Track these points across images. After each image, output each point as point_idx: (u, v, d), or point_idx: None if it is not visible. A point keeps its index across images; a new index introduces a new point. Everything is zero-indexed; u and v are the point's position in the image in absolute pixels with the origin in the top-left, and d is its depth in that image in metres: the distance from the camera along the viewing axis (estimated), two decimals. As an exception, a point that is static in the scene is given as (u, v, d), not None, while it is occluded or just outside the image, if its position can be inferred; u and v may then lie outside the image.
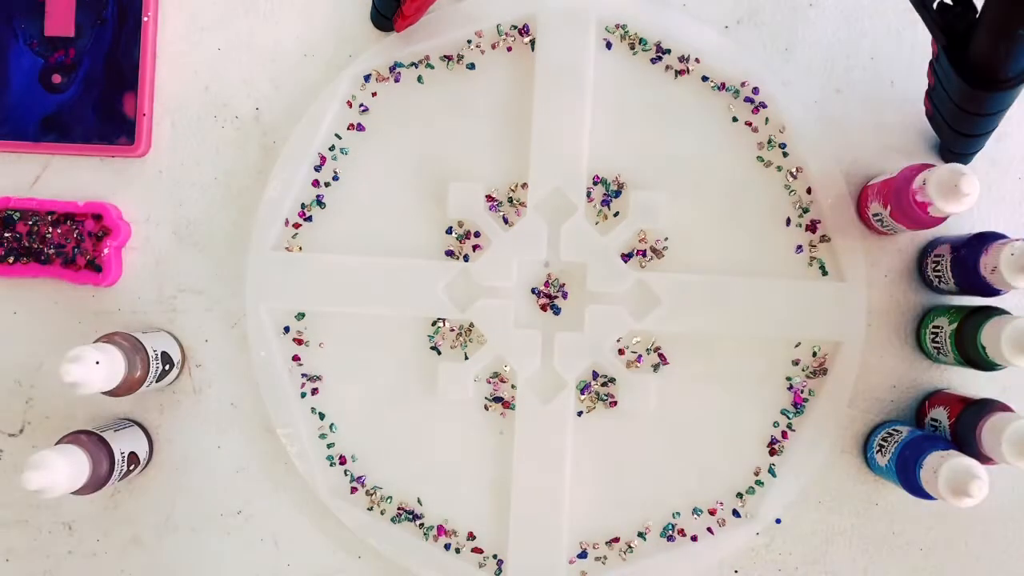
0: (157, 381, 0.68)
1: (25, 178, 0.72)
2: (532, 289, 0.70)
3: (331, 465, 0.70)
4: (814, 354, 0.69)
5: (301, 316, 0.71)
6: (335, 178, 0.71)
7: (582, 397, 0.70)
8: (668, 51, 0.70)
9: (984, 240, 0.62)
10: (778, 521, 0.70)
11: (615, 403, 0.69)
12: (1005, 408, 0.62)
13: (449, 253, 0.70)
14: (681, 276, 0.69)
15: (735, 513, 0.69)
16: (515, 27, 0.70)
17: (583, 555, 0.69)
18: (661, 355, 0.70)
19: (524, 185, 0.70)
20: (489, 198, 0.70)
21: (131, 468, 0.68)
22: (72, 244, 0.70)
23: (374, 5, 0.69)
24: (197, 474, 0.71)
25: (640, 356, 0.70)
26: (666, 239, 0.70)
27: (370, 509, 0.70)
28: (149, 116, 0.71)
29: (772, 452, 0.69)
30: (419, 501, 0.70)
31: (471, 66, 0.71)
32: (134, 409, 0.72)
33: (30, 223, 0.71)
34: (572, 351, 0.69)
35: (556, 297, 0.70)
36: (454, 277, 0.70)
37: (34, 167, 0.72)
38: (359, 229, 0.71)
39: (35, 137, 0.71)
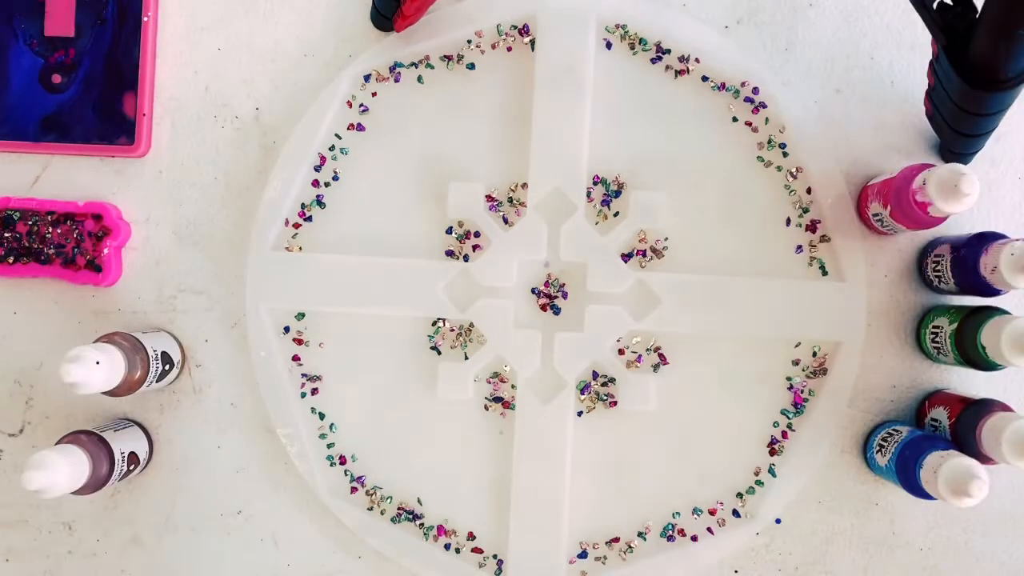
0: (157, 381, 0.68)
1: (25, 178, 0.72)
2: (532, 289, 0.70)
3: (331, 465, 0.70)
4: (814, 354, 0.69)
5: (301, 316, 0.71)
6: (335, 178, 0.71)
7: (582, 397, 0.70)
8: (668, 51, 0.70)
9: (984, 240, 0.62)
10: (778, 521, 0.70)
11: (615, 403, 0.69)
12: (1005, 408, 0.62)
13: (449, 253, 0.70)
14: (681, 276, 0.69)
15: (735, 513, 0.69)
16: (515, 27, 0.71)
17: (583, 555, 0.69)
18: (661, 355, 0.70)
19: (524, 185, 0.70)
20: (489, 198, 0.70)
21: (131, 468, 0.68)
22: (72, 244, 0.70)
23: (374, 5, 0.69)
24: (197, 474, 0.71)
25: (640, 356, 0.70)
26: (666, 239, 0.70)
27: (370, 509, 0.70)
28: (149, 116, 0.71)
29: (772, 452, 0.69)
30: (419, 501, 0.70)
31: (471, 66, 0.71)
32: (134, 409, 0.72)
33: (30, 223, 0.71)
34: (572, 351, 0.69)
35: (556, 297, 0.70)
36: (454, 277, 0.70)
37: (34, 167, 0.72)
38: (359, 229, 0.71)
39: (35, 137, 0.71)
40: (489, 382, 0.70)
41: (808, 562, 0.70)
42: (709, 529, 0.69)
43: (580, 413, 0.70)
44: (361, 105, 0.71)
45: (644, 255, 0.70)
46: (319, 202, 0.71)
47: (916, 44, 0.70)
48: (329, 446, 0.70)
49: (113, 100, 0.71)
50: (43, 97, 0.71)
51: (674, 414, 0.70)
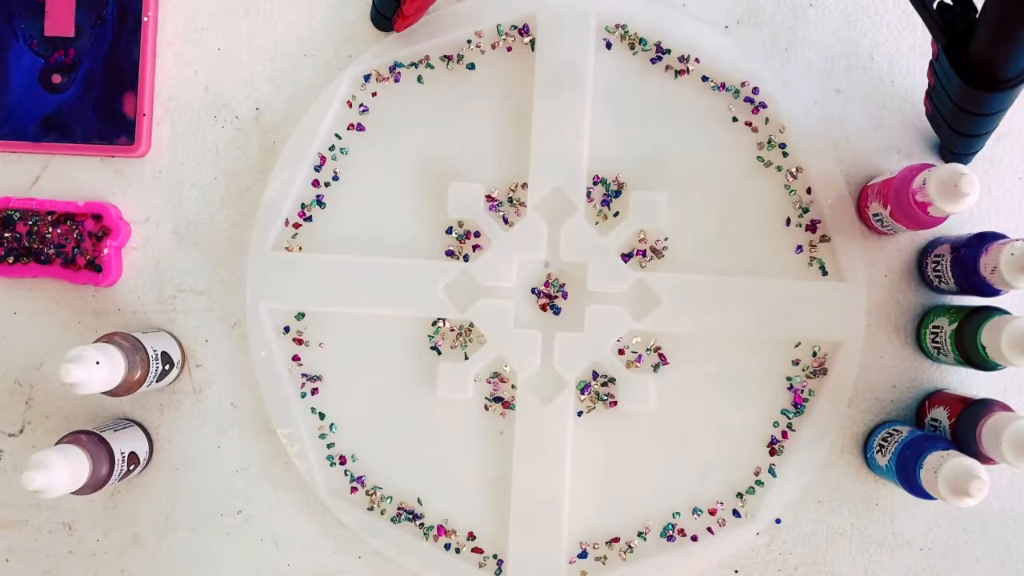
0: (157, 381, 0.68)
1: (25, 178, 0.72)
2: (532, 289, 0.70)
3: (331, 465, 0.70)
4: (814, 354, 0.69)
5: (301, 316, 0.71)
6: (335, 178, 0.71)
7: (582, 397, 0.70)
8: (668, 51, 0.70)
9: (984, 240, 0.62)
10: (778, 521, 0.70)
11: (615, 403, 0.69)
12: (1005, 408, 0.62)
13: (449, 253, 0.71)
14: (681, 276, 0.69)
15: (735, 513, 0.69)
16: (515, 27, 0.71)
17: (583, 555, 0.69)
18: (661, 355, 0.70)
19: (524, 185, 0.70)
20: (489, 198, 0.70)
21: (131, 468, 0.68)
22: (72, 244, 0.70)
23: (374, 5, 0.69)
24: (197, 474, 0.71)
25: (640, 356, 0.70)
26: (666, 239, 0.70)
27: (370, 509, 0.70)
28: (149, 116, 0.71)
29: (772, 452, 0.69)
30: (419, 501, 0.70)
31: (471, 66, 0.71)
32: (134, 409, 0.72)
33: (30, 223, 0.71)
34: (572, 351, 0.69)
35: (556, 297, 0.70)
36: (454, 277, 0.70)
37: (34, 167, 0.72)
38: (359, 229, 0.71)
39: (35, 137, 0.71)
40: (489, 382, 0.70)
41: (808, 562, 0.70)
42: (709, 529, 0.69)
43: (580, 413, 0.70)
44: (361, 105, 0.71)
45: (644, 255, 0.70)
46: (319, 202, 0.71)
47: (916, 44, 0.70)
48: (329, 446, 0.70)
49: (113, 100, 0.71)
50: (43, 97, 0.71)
51: (674, 414, 0.70)
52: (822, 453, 0.69)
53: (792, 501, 0.69)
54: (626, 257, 0.70)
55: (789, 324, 0.69)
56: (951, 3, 0.58)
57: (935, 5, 0.58)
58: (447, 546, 0.70)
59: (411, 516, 0.70)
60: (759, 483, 0.69)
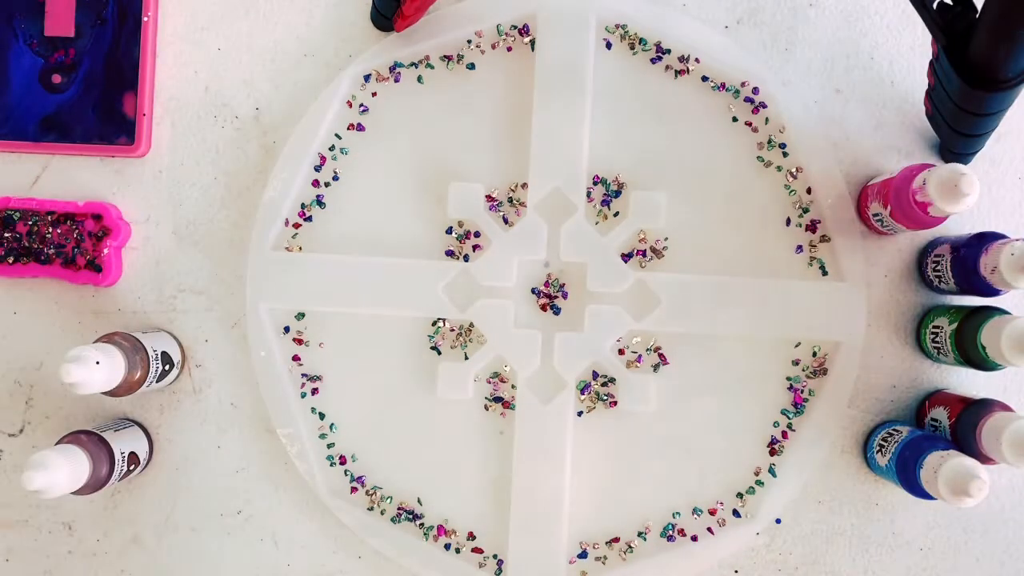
0: (157, 381, 0.68)
1: (25, 178, 0.72)
2: (532, 289, 0.70)
3: (331, 465, 0.70)
4: (814, 354, 0.69)
5: (301, 316, 0.71)
6: (335, 178, 0.71)
7: (582, 397, 0.70)
8: (668, 51, 0.70)
9: (984, 240, 0.62)
10: (778, 521, 0.70)
11: (615, 403, 0.69)
12: (1005, 408, 0.62)
13: (449, 253, 0.70)
14: (681, 276, 0.69)
15: (735, 513, 0.69)
16: (515, 27, 0.71)
17: (583, 555, 0.69)
18: (661, 355, 0.70)
19: (524, 185, 0.70)
20: (489, 198, 0.70)
21: (131, 468, 0.68)
22: (72, 244, 0.70)
23: (374, 5, 0.69)
24: (197, 474, 0.71)
25: (640, 356, 0.70)
26: (666, 239, 0.70)
27: (370, 509, 0.70)
28: (149, 116, 0.71)
29: (772, 452, 0.69)
30: (419, 501, 0.70)
31: (471, 66, 0.71)
32: (134, 409, 0.72)
33: (30, 223, 0.71)
34: (572, 351, 0.69)
35: (556, 297, 0.70)
36: (454, 277, 0.70)
37: (34, 167, 0.72)
38: (359, 229, 0.71)
39: (35, 137, 0.71)
40: (489, 382, 0.70)
41: (808, 562, 0.70)
42: (709, 529, 0.69)
43: (580, 413, 0.70)
44: (361, 105, 0.71)
45: (644, 255, 0.70)
46: (319, 202, 0.71)
47: (916, 44, 0.70)
48: (329, 446, 0.70)
49: (113, 100, 0.71)
50: (43, 97, 0.71)
51: (674, 414, 0.70)
52: (822, 453, 0.69)
53: (792, 501, 0.69)
54: (626, 257, 0.70)
55: (789, 324, 0.69)
56: (951, 3, 0.58)
57: (935, 5, 0.58)
58: (447, 546, 0.70)
59: (411, 516, 0.70)
60: (759, 483, 0.69)
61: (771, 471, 0.69)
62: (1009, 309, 0.64)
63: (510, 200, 0.70)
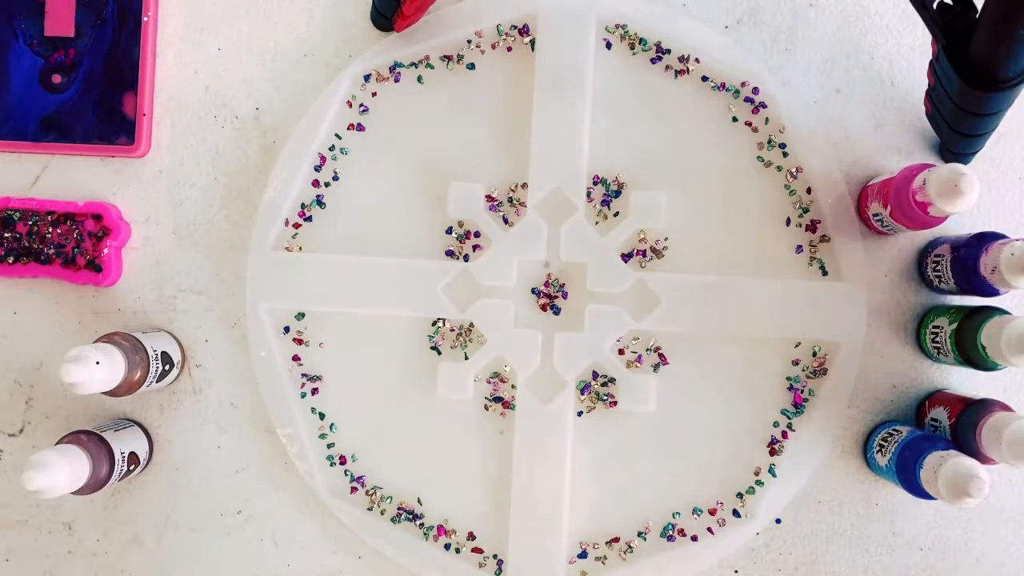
0: (157, 381, 0.68)
1: (25, 178, 0.72)
2: (532, 289, 0.70)
3: (331, 465, 0.70)
4: (814, 354, 0.69)
5: (301, 316, 0.71)
6: (335, 178, 0.71)
7: (582, 397, 0.70)
8: (668, 51, 0.70)
9: (984, 240, 0.62)
10: (778, 521, 0.70)
11: (615, 403, 0.69)
12: (1005, 408, 0.62)
13: (449, 253, 0.70)
14: (681, 276, 0.69)
15: (735, 513, 0.69)
16: (515, 27, 0.71)
17: (583, 555, 0.69)
18: (661, 355, 0.70)
19: (524, 185, 0.70)
20: (489, 198, 0.70)
21: (131, 468, 0.68)
22: (72, 244, 0.70)
23: (374, 5, 0.69)
24: (197, 474, 0.71)
25: (640, 356, 0.70)
26: (666, 239, 0.70)
27: (370, 509, 0.70)
28: (149, 116, 0.71)
29: (772, 452, 0.69)
30: (419, 501, 0.70)
31: (471, 66, 0.71)
32: (134, 409, 0.72)
33: (30, 223, 0.71)
34: (572, 351, 0.69)
35: (556, 297, 0.70)
36: (454, 277, 0.70)
37: (34, 167, 0.72)
38: (359, 229, 0.71)
39: (35, 137, 0.71)
40: (489, 382, 0.70)
41: (808, 562, 0.70)
42: (709, 529, 0.69)
43: (580, 413, 0.70)
44: (361, 105, 0.71)
45: (644, 255, 0.70)
46: (319, 202, 0.71)
47: (916, 44, 0.70)
48: (329, 446, 0.70)
49: (113, 100, 0.71)
50: (43, 97, 0.71)
51: (674, 414, 0.70)
52: (822, 453, 0.69)
53: (792, 501, 0.69)
54: (626, 257, 0.70)
55: (789, 324, 0.69)
56: (951, 3, 0.58)
57: (935, 5, 0.58)
58: (447, 546, 0.70)
59: (411, 516, 0.70)
60: (759, 483, 0.69)
61: (771, 471, 0.69)
62: (1009, 309, 0.64)
63: (510, 200, 0.70)
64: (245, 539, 0.71)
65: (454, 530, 0.70)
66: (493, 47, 0.71)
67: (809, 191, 0.69)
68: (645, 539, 0.69)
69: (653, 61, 0.70)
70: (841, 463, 0.70)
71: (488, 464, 0.70)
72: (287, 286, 0.70)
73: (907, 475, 0.61)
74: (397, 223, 0.71)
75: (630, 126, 0.70)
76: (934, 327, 0.66)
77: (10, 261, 0.71)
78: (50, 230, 0.70)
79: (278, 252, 0.71)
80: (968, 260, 0.62)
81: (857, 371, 0.69)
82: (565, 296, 0.70)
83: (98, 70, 0.71)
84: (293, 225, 0.71)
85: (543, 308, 0.70)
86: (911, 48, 0.70)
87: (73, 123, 0.71)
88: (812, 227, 0.70)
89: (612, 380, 0.70)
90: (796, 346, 0.69)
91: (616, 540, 0.69)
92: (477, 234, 0.70)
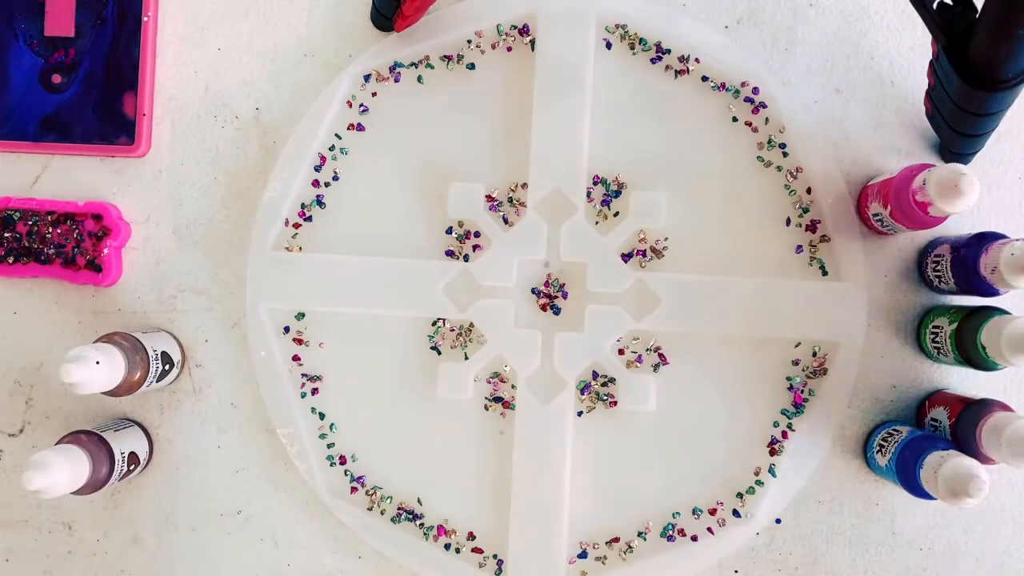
0: (157, 381, 0.68)
1: (25, 178, 0.72)
2: (532, 289, 0.70)
3: (331, 465, 0.70)
4: (814, 354, 0.69)
5: (301, 316, 0.71)
6: (335, 178, 0.71)
7: (582, 397, 0.70)
8: (668, 51, 0.70)
9: (984, 240, 0.62)
10: (778, 521, 0.70)
11: (615, 403, 0.69)
12: (1005, 408, 0.62)
13: (449, 253, 0.71)
14: (681, 276, 0.69)
15: (735, 513, 0.69)
16: (515, 27, 0.71)
17: (583, 555, 0.69)
18: (661, 355, 0.70)
19: (524, 185, 0.70)
20: (489, 198, 0.70)
21: (131, 468, 0.68)
22: (72, 244, 0.70)
23: (374, 5, 0.69)
24: (197, 474, 0.71)
25: (640, 356, 0.70)
26: (666, 239, 0.70)
27: (370, 509, 0.70)
28: (149, 116, 0.71)
29: (772, 452, 0.69)
30: (419, 501, 0.70)
31: (471, 66, 0.71)
32: (134, 409, 0.72)
33: (30, 223, 0.71)
34: (572, 351, 0.69)
35: (556, 297, 0.70)
36: (454, 277, 0.70)
37: (34, 167, 0.72)
38: (359, 229, 0.71)
39: (35, 137, 0.71)
40: (489, 382, 0.70)
41: (808, 562, 0.70)
42: (709, 529, 0.69)
43: (580, 413, 0.70)
44: (361, 105, 0.71)
45: (644, 255, 0.70)
46: (319, 202, 0.71)
47: (916, 44, 0.70)
48: (329, 446, 0.70)
49: (113, 100, 0.71)
50: (43, 97, 0.71)
51: (674, 414, 0.70)
52: (822, 453, 0.69)
53: (792, 501, 0.69)
54: (626, 257, 0.70)
55: (789, 324, 0.69)
56: (951, 3, 0.58)
57: (935, 5, 0.58)
58: (447, 546, 0.70)
59: (411, 516, 0.70)
60: (759, 483, 0.69)
61: (771, 471, 0.69)
62: (1009, 309, 0.64)
63: (510, 200, 0.70)
64: (245, 539, 0.71)
65: (454, 530, 0.70)
66: (493, 47, 0.71)
67: (809, 191, 0.69)
68: (645, 539, 0.69)
69: (653, 61, 0.70)
70: (841, 463, 0.70)
71: (488, 464, 0.70)
72: (287, 286, 0.70)
73: (907, 475, 0.61)
74: (397, 223, 0.71)
75: (630, 126, 0.70)
76: (934, 327, 0.66)
77: (10, 261, 0.71)
78: (50, 230, 0.70)
79: (278, 252, 0.71)
80: (968, 260, 0.62)
81: (857, 371, 0.69)
82: (565, 296, 0.70)
83: (98, 70, 0.71)
84: (293, 225, 0.71)
85: (543, 308, 0.70)
86: (911, 48, 0.70)
87: (73, 123, 0.71)
88: (812, 227, 0.70)
89: (612, 380, 0.70)
90: (796, 346, 0.69)
91: (616, 540, 0.69)
92: (477, 234, 0.70)
